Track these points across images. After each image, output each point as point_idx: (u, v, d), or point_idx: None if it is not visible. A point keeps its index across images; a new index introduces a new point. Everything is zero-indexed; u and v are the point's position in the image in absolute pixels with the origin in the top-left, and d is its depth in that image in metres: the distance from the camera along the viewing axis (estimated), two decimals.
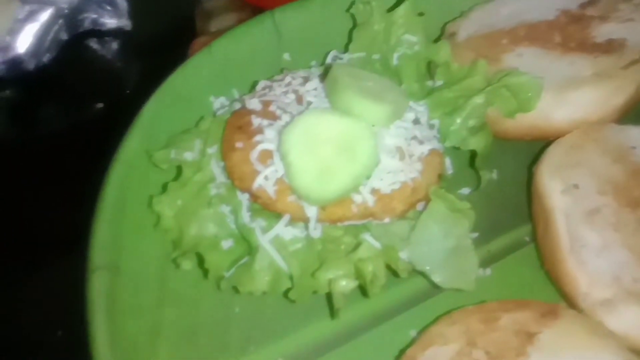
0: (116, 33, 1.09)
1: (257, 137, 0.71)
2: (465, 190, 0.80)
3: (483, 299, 0.69)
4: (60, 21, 1.00)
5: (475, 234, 0.72)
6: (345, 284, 0.63)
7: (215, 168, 0.72)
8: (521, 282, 0.74)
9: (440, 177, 0.73)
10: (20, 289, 0.87)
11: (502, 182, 0.83)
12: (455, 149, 0.79)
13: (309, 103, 0.75)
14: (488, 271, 0.75)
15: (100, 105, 1.05)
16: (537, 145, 0.82)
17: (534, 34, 0.86)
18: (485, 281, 0.73)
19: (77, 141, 0.99)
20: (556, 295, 0.71)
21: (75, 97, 1.05)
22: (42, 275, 0.88)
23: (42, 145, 1.00)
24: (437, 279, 0.67)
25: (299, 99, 0.76)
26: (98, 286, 0.64)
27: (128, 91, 1.05)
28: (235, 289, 0.67)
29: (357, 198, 0.67)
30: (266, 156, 0.69)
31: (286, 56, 0.91)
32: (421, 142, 0.73)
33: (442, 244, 0.68)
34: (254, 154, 0.69)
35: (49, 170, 0.98)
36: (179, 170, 0.73)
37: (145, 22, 1.10)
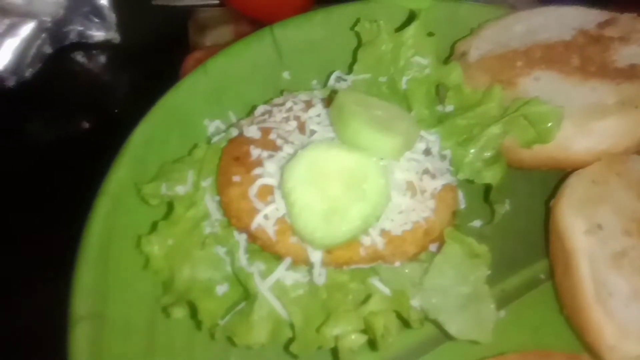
0: (104, 46, 1.03)
1: (257, 171, 0.65)
2: (477, 223, 0.76)
3: (497, 345, 0.64)
4: (44, 35, 0.94)
5: (488, 272, 0.67)
6: (354, 340, 0.58)
7: (209, 203, 0.67)
8: (539, 326, 0.69)
9: (455, 214, 0.68)
10: None
11: (515, 214, 0.77)
12: (469, 181, 0.73)
13: (313, 132, 0.69)
14: (502, 313, 0.70)
15: (86, 124, 0.99)
16: (553, 174, 0.77)
17: (551, 55, 0.81)
18: (500, 324, 0.67)
19: (61, 161, 0.93)
20: (577, 343, 0.66)
21: (60, 114, 1.00)
22: (20, 298, 0.82)
23: (25, 165, 0.94)
24: (452, 330, 0.62)
25: (301, 127, 0.71)
26: (81, 338, 0.58)
27: (116, 107, 0.98)
28: (231, 341, 0.61)
29: (366, 240, 0.62)
30: (266, 192, 0.64)
31: (286, 75, 0.85)
32: (434, 176, 0.67)
33: (457, 290, 0.63)
34: (253, 190, 0.64)
35: (31, 191, 0.92)
36: (170, 206, 0.67)
37: (135, 35, 1.04)
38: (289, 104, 0.74)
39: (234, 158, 0.68)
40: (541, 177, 0.79)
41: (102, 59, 1.03)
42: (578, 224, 0.67)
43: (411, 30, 0.78)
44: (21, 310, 0.82)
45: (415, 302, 0.62)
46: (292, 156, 0.64)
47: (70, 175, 0.91)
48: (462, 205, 0.72)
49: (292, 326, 0.61)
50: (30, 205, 0.91)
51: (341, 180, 0.61)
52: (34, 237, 0.88)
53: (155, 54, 1.02)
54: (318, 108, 0.73)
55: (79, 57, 1.02)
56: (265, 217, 0.62)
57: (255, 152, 0.67)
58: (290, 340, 0.61)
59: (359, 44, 0.82)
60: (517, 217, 0.77)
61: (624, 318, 0.61)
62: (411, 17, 0.82)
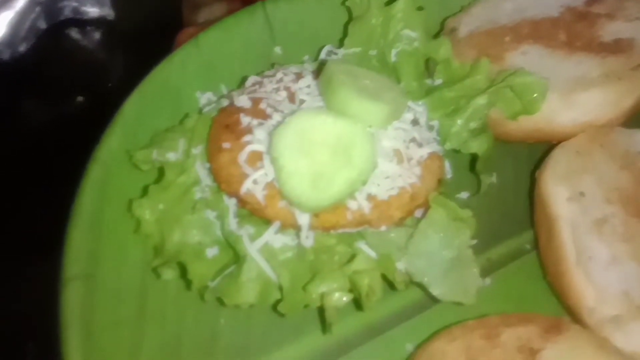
0: (98, 22, 1.03)
1: (246, 138, 0.66)
2: (464, 195, 0.77)
3: (482, 310, 0.65)
4: (38, 9, 0.94)
5: (474, 241, 0.68)
6: (339, 298, 0.59)
7: (200, 170, 0.68)
8: (523, 293, 0.71)
9: (440, 182, 0.69)
10: None
11: (502, 187, 0.79)
12: (455, 151, 0.75)
13: (302, 101, 0.71)
14: (487, 281, 0.71)
15: (80, 98, 0.99)
16: (538, 148, 0.78)
17: (538, 31, 0.82)
18: (485, 291, 0.69)
19: (56, 137, 0.94)
20: (560, 308, 0.68)
21: (55, 89, 1.00)
22: (16, 279, 0.83)
23: (19, 141, 0.95)
24: (436, 291, 0.63)
25: (291, 97, 0.72)
26: (73, 298, 0.60)
27: (110, 84, 0.99)
28: (221, 301, 0.62)
29: (352, 205, 0.63)
30: (255, 158, 0.65)
31: (277, 50, 0.86)
32: (420, 145, 0.69)
33: (441, 254, 0.64)
34: (243, 156, 0.65)
35: (26, 168, 0.93)
36: (161, 171, 0.68)
37: (129, 11, 1.05)
38: (279, 75, 0.75)
39: (224, 126, 0.69)
40: (527, 150, 0.80)
41: (96, 35, 1.03)
42: (561, 191, 0.69)
43: (401, 4, 0.79)
44: (10, 293, 0.83)
45: (400, 265, 0.64)
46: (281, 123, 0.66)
47: (64, 151, 0.91)
48: (449, 175, 0.74)
49: (280, 287, 0.62)
50: (25, 183, 0.91)
51: (328, 146, 0.62)
52: (30, 214, 0.89)
53: (150, 31, 1.03)
54: (308, 79, 0.74)
55: (73, 33, 1.02)
56: (255, 182, 0.64)
57: (245, 120, 0.68)
58: (279, 301, 0.62)
59: (350, 18, 0.83)
60: (503, 190, 0.79)
61: (603, 281, 0.63)
62: None
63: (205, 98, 0.79)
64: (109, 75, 1.03)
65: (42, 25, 1.00)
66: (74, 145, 0.85)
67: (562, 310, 0.67)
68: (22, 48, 0.98)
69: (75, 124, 0.96)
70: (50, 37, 1.01)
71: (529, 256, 0.75)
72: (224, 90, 0.81)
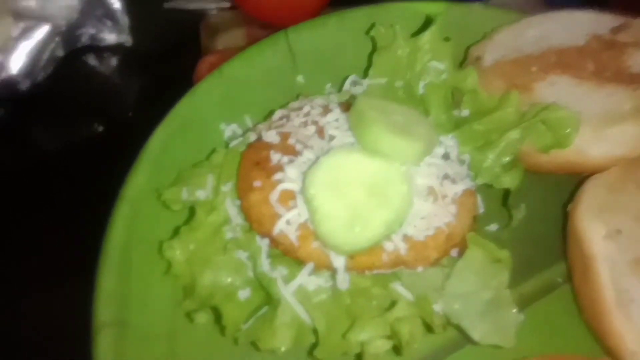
0: (116, 49, 1.02)
1: (277, 176, 0.65)
2: (493, 227, 0.75)
3: (516, 348, 0.64)
4: (57, 38, 0.93)
5: None
6: (380, 346, 0.58)
7: (230, 208, 0.67)
8: (557, 330, 0.69)
9: (475, 219, 0.68)
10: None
11: (530, 218, 0.77)
12: (487, 186, 0.74)
13: (332, 137, 0.69)
14: (521, 316, 0.70)
15: (99, 127, 0.98)
16: (567, 178, 0.77)
17: (565, 60, 0.81)
18: (519, 327, 0.68)
19: (74, 165, 0.92)
20: (596, 345, 0.67)
21: (72, 117, 0.99)
22: (32, 311, 0.82)
23: (37, 170, 0.93)
24: (475, 335, 0.62)
25: (320, 132, 0.71)
26: (105, 345, 0.58)
27: (127, 111, 0.98)
28: (255, 345, 0.61)
29: (389, 246, 0.62)
30: (287, 197, 0.64)
31: (300, 79, 0.85)
32: (454, 181, 0.68)
33: (479, 296, 0.63)
34: (274, 195, 0.64)
35: (43, 196, 0.92)
36: (192, 211, 0.67)
37: (147, 38, 1.04)
38: (306, 109, 0.74)
39: (254, 163, 0.68)
40: (556, 181, 0.79)
41: (114, 61, 1.02)
42: (597, 228, 0.67)
43: (427, 35, 0.78)
44: (38, 314, 0.82)
45: (437, 307, 0.62)
46: (313, 161, 0.64)
47: (83, 179, 0.90)
48: (481, 210, 0.73)
49: (315, 331, 0.61)
50: (44, 210, 0.90)
51: (363, 186, 0.61)
52: (49, 242, 0.88)
53: (167, 57, 1.02)
54: (336, 113, 0.73)
55: (91, 60, 1.01)
56: (287, 222, 0.62)
57: (275, 157, 0.67)
58: (314, 346, 0.61)
59: (374, 49, 0.82)
60: (532, 221, 0.77)
61: None
62: (427, 22, 0.82)
63: (230, 130, 0.78)
64: (127, 101, 1.02)
65: (60, 53, 0.99)
66: (91, 172, 0.84)
67: (601, 350, 0.66)
68: (41, 77, 0.96)
69: (95, 149, 0.95)
70: (68, 64, 1.00)
71: (561, 290, 0.73)
72: (248, 121, 0.80)
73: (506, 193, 0.73)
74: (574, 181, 0.76)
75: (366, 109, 0.66)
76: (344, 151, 0.64)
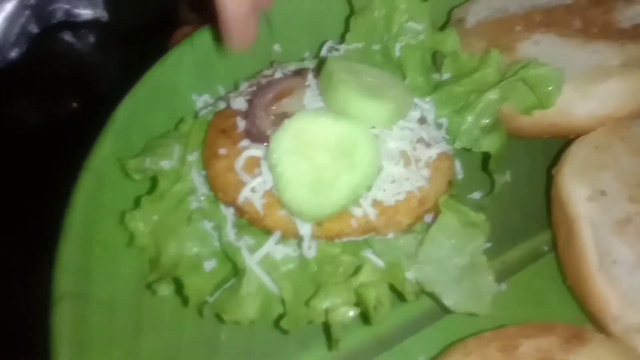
0: (92, 25, 1.00)
1: (243, 143, 0.63)
2: (477, 195, 0.73)
3: (499, 318, 0.62)
4: (27, 12, 0.91)
5: (488, 244, 0.64)
6: (344, 313, 0.56)
7: (196, 178, 0.64)
8: (541, 299, 0.67)
9: (451, 183, 0.65)
10: None
11: (516, 185, 0.75)
12: (466, 150, 0.71)
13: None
14: (504, 286, 0.67)
15: (74, 104, 0.96)
16: (555, 143, 0.74)
17: (551, 19, 0.77)
18: (501, 298, 0.65)
19: (49, 144, 0.90)
20: (582, 314, 0.64)
21: (48, 94, 0.97)
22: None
23: (11, 148, 0.92)
24: (448, 302, 0.59)
25: None
26: (63, 316, 0.56)
27: (106, 89, 0.96)
28: (220, 318, 0.59)
29: (357, 211, 0.59)
30: (253, 164, 0.61)
31: (277, 47, 0.82)
32: (428, 145, 0.65)
33: (453, 262, 0.60)
34: (239, 162, 0.61)
35: (19, 173, 0.90)
36: (154, 181, 0.65)
37: (124, 12, 1.01)
38: (277, 75, 0.71)
39: (220, 131, 0.65)
40: (543, 146, 0.76)
41: (91, 38, 1.00)
42: (580, 190, 0.65)
43: None
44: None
45: (410, 275, 0.60)
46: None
47: (59, 156, 0.88)
48: (460, 176, 0.70)
49: (282, 301, 0.59)
50: (18, 187, 0.89)
51: (329, 150, 0.59)
52: (22, 220, 0.86)
53: (146, 32, 0.99)
54: (308, 78, 0.70)
55: (67, 36, 0.99)
56: (253, 190, 0.60)
57: (242, 123, 0.65)
58: (281, 316, 0.59)
59: (352, 12, 0.79)
60: (518, 188, 0.75)
61: (628, 286, 0.59)
62: None
63: (201, 101, 0.76)
64: (104, 78, 0.99)
65: (34, 29, 0.97)
66: (67, 151, 0.82)
67: (585, 318, 0.63)
68: (14, 53, 0.95)
69: (72, 126, 0.93)
70: (43, 41, 0.97)
71: (546, 258, 0.71)
72: (221, 92, 0.78)
73: (487, 157, 0.70)
74: (560, 146, 0.73)
75: (335, 70, 0.63)
76: (309, 115, 0.61)
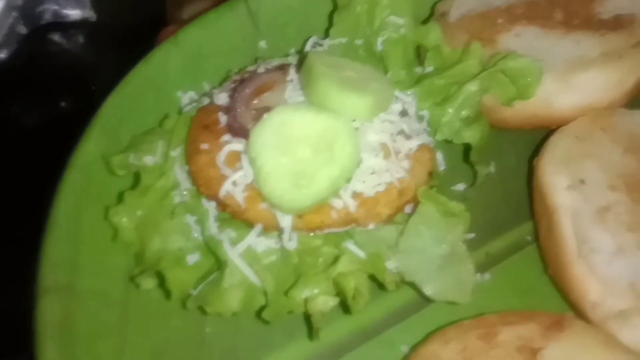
0: (81, 25, 1.00)
1: (225, 137, 0.64)
2: (460, 187, 0.73)
3: (481, 308, 0.62)
4: (15, 14, 0.92)
5: (472, 235, 0.65)
6: (323, 303, 0.56)
7: (179, 173, 0.65)
8: (523, 289, 0.68)
9: (431, 174, 0.66)
10: None
11: (500, 176, 0.75)
12: (448, 142, 0.71)
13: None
14: (487, 276, 0.68)
15: (63, 103, 0.97)
16: (538, 135, 0.74)
17: (533, 11, 0.78)
18: (483, 288, 0.66)
19: (38, 143, 0.91)
20: (563, 303, 0.64)
21: (38, 94, 0.98)
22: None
23: (2, 147, 0.92)
24: (428, 291, 0.60)
25: None
26: (48, 311, 0.57)
27: (94, 87, 0.96)
28: (204, 310, 0.59)
29: (338, 203, 0.60)
30: (235, 159, 0.62)
31: (262, 44, 0.83)
32: (409, 137, 0.65)
33: (433, 251, 0.61)
34: (221, 157, 0.62)
35: (10, 173, 0.91)
36: (137, 176, 0.66)
37: (112, 12, 1.02)
38: (261, 70, 0.72)
39: (203, 126, 0.66)
40: (526, 138, 0.76)
41: (80, 38, 1.01)
42: (560, 180, 0.65)
43: None
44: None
45: (390, 265, 0.60)
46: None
47: (49, 157, 0.89)
48: (442, 167, 0.70)
49: (264, 293, 0.59)
50: (12, 187, 0.90)
51: (309, 143, 0.59)
52: (13, 218, 0.87)
53: (134, 31, 1.00)
54: (291, 73, 0.71)
55: (56, 37, 1.00)
56: (234, 183, 0.61)
57: (223, 119, 0.65)
58: (263, 308, 0.59)
59: (335, 7, 0.80)
60: (501, 180, 0.75)
61: (607, 274, 0.59)
62: None
63: (187, 97, 0.77)
64: (92, 78, 1.00)
65: (23, 30, 0.98)
66: (56, 150, 0.82)
67: (565, 306, 0.64)
68: (3, 54, 0.96)
69: (62, 126, 0.93)
70: (32, 42, 0.98)
71: (529, 249, 0.71)
72: (207, 88, 0.78)
73: (468, 149, 0.70)
74: (543, 137, 0.73)
75: (315, 64, 0.64)
76: (289, 108, 0.62)
